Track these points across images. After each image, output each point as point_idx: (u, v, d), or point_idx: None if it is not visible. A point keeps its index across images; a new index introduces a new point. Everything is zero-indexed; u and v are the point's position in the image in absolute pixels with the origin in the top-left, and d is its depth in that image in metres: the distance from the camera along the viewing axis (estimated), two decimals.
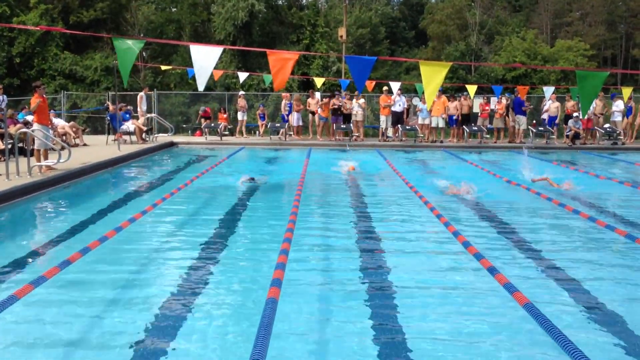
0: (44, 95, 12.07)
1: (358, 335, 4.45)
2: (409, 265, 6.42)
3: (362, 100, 21.62)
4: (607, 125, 21.30)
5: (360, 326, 4.60)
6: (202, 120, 23.55)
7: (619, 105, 20.78)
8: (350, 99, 21.53)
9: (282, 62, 10.14)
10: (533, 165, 13.90)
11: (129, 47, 10.20)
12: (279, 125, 21.83)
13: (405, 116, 22.02)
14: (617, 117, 20.99)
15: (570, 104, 21.41)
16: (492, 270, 5.10)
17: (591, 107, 20.24)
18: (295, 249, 6.33)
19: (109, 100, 23.15)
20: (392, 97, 21.29)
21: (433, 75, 9.65)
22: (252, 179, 11.86)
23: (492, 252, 6.65)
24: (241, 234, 7.84)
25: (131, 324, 4.59)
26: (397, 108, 21.34)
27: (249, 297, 5.26)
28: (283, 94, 23.34)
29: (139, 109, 20.45)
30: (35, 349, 4.19)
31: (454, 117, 21.36)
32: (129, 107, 20.62)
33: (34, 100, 11.57)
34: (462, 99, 21.46)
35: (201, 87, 9.96)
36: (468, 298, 5.31)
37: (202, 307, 5.03)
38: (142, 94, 20.87)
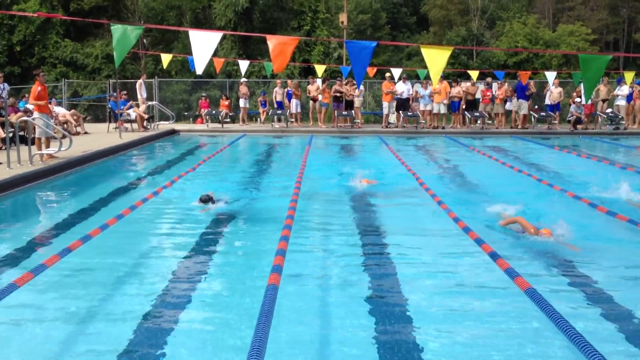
0: (45, 83, 12.07)
1: None
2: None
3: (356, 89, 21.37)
4: (609, 110, 21.19)
5: None
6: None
7: (623, 90, 20.66)
8: (352, 84, 21.40)
9: (281, 46, 10.11)
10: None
11: (126, 34, 10.18)
12: (280, 112, 21.74)
13: (410, 102, 21.85)
14: (621, 102, 20.87)
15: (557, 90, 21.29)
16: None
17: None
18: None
19: (111, 91, 23.12)
20: (395, 83, 21.19)
21: (436, 58, 9.60)
22: (211, 199, 8.09)
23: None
24: (241, 225, 7.82)
25: (130, 312, 4.59)
26: (403, 95, 21.23)
27: (250, 283, 5.27)
28: (278, 81, 23.21)
29: (138, 96, 20.39)
30: (32, 337, 4.21)
31: (459, 103, 21.33)
32: (123, 94, 20.37)
33: (35, 88, 11.58)
34: (470, 84, 21.40)
35: (200, 71, 9.95)
36: None
37: (202, 293, 5.03)
38: (140, 81, 20.80)
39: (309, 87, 22.03)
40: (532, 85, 21.45)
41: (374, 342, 4.07)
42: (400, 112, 21.26)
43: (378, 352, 3.94)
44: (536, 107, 21.90)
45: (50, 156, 11.71)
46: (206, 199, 8.00)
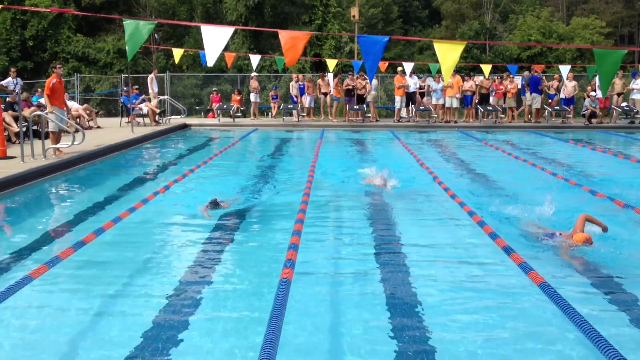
0: (61, 77, 12.09)
1: None
2: None
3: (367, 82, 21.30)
4: (624, 104, 20.98)
5: None
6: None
7: (638, 84, 20.41)
8: (364, 78, 21.31)
9: (293, 40, 10.11)
10: None
11: (138, 28, 10.19)
12: (291, 106, 21.72)
13: (420, 96, 21.77)
14: (636, 96, 20.63)
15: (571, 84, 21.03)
16: None
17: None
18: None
19: (122, 86, 23.20)
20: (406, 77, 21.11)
21: (448, 53, 9.51)
22: (216, 203, 7.69)
23: None
24: (253, 219, 7.80)
25: (143, 304, 4.59)
26: (409, 89, 21.18)
27: (263, 276, 5.25)
28: (293, 75, 23.19)
29: (150, 91, 20.44)
30: (46, 329, 4.21)
31: (471, 97, 21.20)
32: (135, 88, 20.44)
33: (50, 80, 11.60)
34: (484, 78, 21.26)
35: (210, 63, 9.96)
36: None
37: (216, 288, 5.02)
38: (151, 75, 20.83)
39: (319, 81, 21.99)
40: (548, 80, 21.22)
41: (386, 339, 4.04)
42: (412, 106, 21.17)
43: (390, 348, 3.90)
44: (550, 101, 21.69)
45: (59, 151, 11.69)
46: (214, 202, 7.67)
